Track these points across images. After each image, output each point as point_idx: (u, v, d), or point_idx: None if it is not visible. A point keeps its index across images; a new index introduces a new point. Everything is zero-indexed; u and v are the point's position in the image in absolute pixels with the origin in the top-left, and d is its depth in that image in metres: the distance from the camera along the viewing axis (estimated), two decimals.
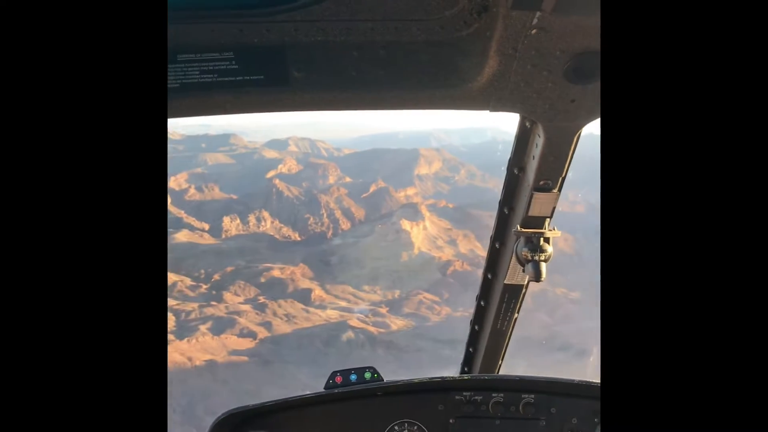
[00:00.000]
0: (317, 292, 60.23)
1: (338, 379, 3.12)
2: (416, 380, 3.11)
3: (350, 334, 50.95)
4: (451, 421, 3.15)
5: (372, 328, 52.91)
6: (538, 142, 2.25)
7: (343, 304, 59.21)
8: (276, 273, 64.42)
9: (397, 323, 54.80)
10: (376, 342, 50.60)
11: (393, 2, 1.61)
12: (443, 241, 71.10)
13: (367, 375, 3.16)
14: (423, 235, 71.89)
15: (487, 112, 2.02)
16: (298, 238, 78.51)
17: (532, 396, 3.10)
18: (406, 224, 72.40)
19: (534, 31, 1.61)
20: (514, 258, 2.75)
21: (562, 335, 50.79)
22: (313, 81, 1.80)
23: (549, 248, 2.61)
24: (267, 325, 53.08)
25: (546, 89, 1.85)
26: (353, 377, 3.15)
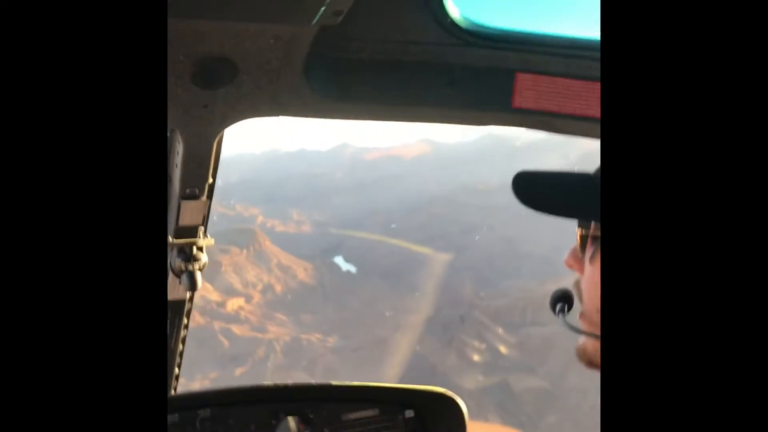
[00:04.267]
0: None
1: None
2: None
3: None
4: None
5: None
6: (179, 149, 2.11)
7: None
8: None
9: None
10: None
11: None
12: None
13: None
14: None
15: None
16: None
17: (208, 410, 2.92)
18: None
19: None
20: (171, 272, 2.56)
21: None
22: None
23: (203, 257, 2.49)
24: None
25: (177, 95, 1.75)
26: None
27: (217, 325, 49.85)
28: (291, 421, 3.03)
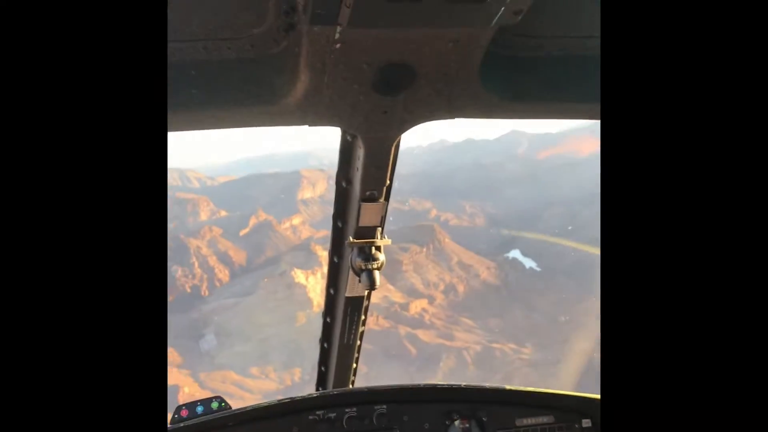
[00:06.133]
0: (188, 388, 39.66)
1: (184, 412, 2.81)
2: (265, 404, 2.93)
3: None
4: None
5: None
6: (360, 154, 2.19)
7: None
8: None
9: None
10: None
11: (199, 23, 1.59)
12: None
13: (215, 405, 2.92)
14: (322, 285, 52.83)
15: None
16: None
17: (384, 407, 2.98)
18: (299, 275, 52.83)
19: (338, 45, 1.59)
20: (351, 270, 2.68)
21: None
22: None
23: (381, 256, 2.57)
24: None
25: (358, 102, 1.82)
26: (200, 409, 2.90)
27: (402, 329, 46.43)
28: (458, 425, 2.92)
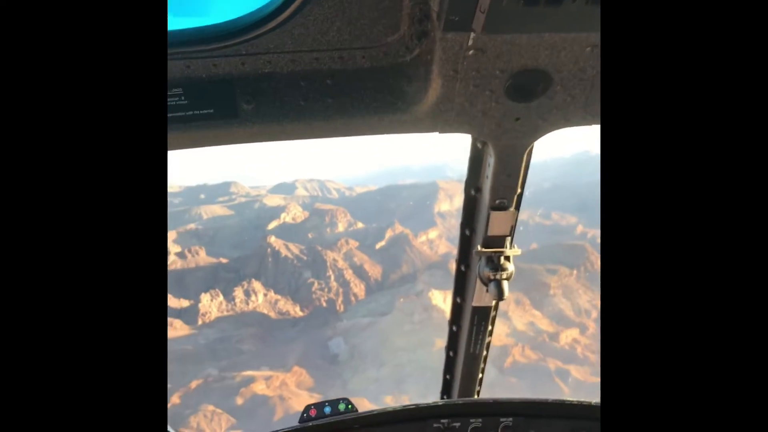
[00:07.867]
0: None
1: (312, 412, 2.83)
2: (391, 409, 2.86)
3: None
4: None
5: None
6: (490, 161, 2.14)
7: None
8: (260, 386, 41.25)
9: None
10: None
11: (336, 32, 1.62)
12: None
13: (341, 406, 2.91)
14: None
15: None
16: (300, 313, 55.34)
17: (510, 419, 2.89)
18: (436, 296, 48.78)
19: (471, 52, 1.59)
20: (478, 280, 2.58)
21: None
22: (262, 112, 1.75)
23: (510, 266, 2.46)
24: None
25: (490, 109, 1.79)
26: (327, 409, 2.89)
27: (551, 363, 40.92)
28: None
